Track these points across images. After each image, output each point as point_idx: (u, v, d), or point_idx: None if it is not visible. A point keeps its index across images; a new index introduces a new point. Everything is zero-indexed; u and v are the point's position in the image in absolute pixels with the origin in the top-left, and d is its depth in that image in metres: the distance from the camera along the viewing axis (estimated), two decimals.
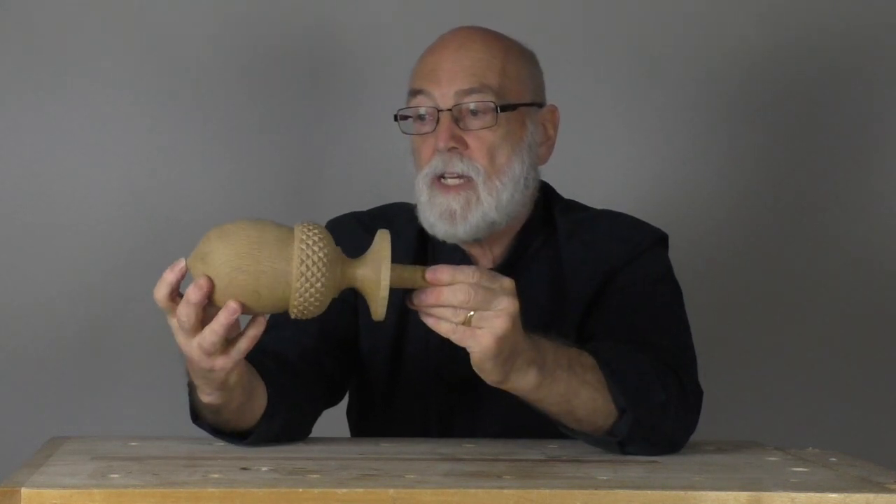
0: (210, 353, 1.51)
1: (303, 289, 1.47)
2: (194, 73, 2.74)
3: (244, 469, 1.52)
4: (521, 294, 1.56)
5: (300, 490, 1.39)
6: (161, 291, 1.51)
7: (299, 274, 1.47)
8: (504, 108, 1.89)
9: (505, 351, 1.54)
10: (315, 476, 1.48)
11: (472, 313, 1.52)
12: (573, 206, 2.01)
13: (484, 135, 1.88)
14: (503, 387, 1.60)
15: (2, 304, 2.71)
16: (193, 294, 1.48)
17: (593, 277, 1.91)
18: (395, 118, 1.92)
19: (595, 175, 2.75)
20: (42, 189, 2.72)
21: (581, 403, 1.65)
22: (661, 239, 1.98)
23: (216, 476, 1.46)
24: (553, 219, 1.97)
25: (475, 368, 1.56)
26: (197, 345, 1.51)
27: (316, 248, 1.48)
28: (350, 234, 1.94)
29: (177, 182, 2.74)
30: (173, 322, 1.52)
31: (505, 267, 1.92)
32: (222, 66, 2.74)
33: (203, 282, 1.47)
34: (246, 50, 2.75)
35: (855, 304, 2.85)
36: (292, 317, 1.51)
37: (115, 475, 1.46)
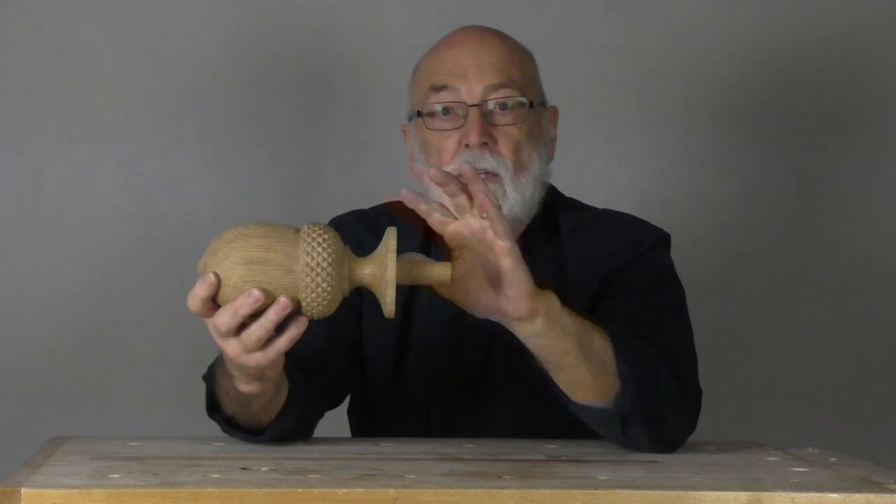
0: (250, 351, 1.52)
1: (309, 289, 1.48)
2: (194, 75, 2.74)
3: (244, 469, 1.52)
4: None
5: (300, 490, 1.38)
6: (195, 304, 1.51)
7: (304, 275, 1.48)
8: (532, 105, 1.89)
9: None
10: (315, 476, 1.48)
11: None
12: (575, 205, 2.01)
13: (511, 131, 1.88)
14: (534, 314, 1.58)
15: (2, 305, 2.71)
16: (243, 306, 1.48)
17: (595, 276, 1.90)
18: (419, 114, 1.91)
19: (597, 175, 2.75)
20: (43, 191, 2.71)
21: (593, 353, 1.62)
22: (662, 239, 1.97)
23: (216, 476, 1.46)
24: (555, 217, 1.97)
25: (511, 277, 1.57)
26: (235, 341, 1.51)
27: (320, 250, 1.49)
28: (352, 232, 1.93)
29: (177, 184, 2.73)
30: (210, 324, 1.52)
31: None
32: (222, 68, 2.74)
33: (259, 294, 1.47)
34: (245, 52, 2.75)
35: (855, 304, 2.85)
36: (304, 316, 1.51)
37: (115, 475, 1.46)
